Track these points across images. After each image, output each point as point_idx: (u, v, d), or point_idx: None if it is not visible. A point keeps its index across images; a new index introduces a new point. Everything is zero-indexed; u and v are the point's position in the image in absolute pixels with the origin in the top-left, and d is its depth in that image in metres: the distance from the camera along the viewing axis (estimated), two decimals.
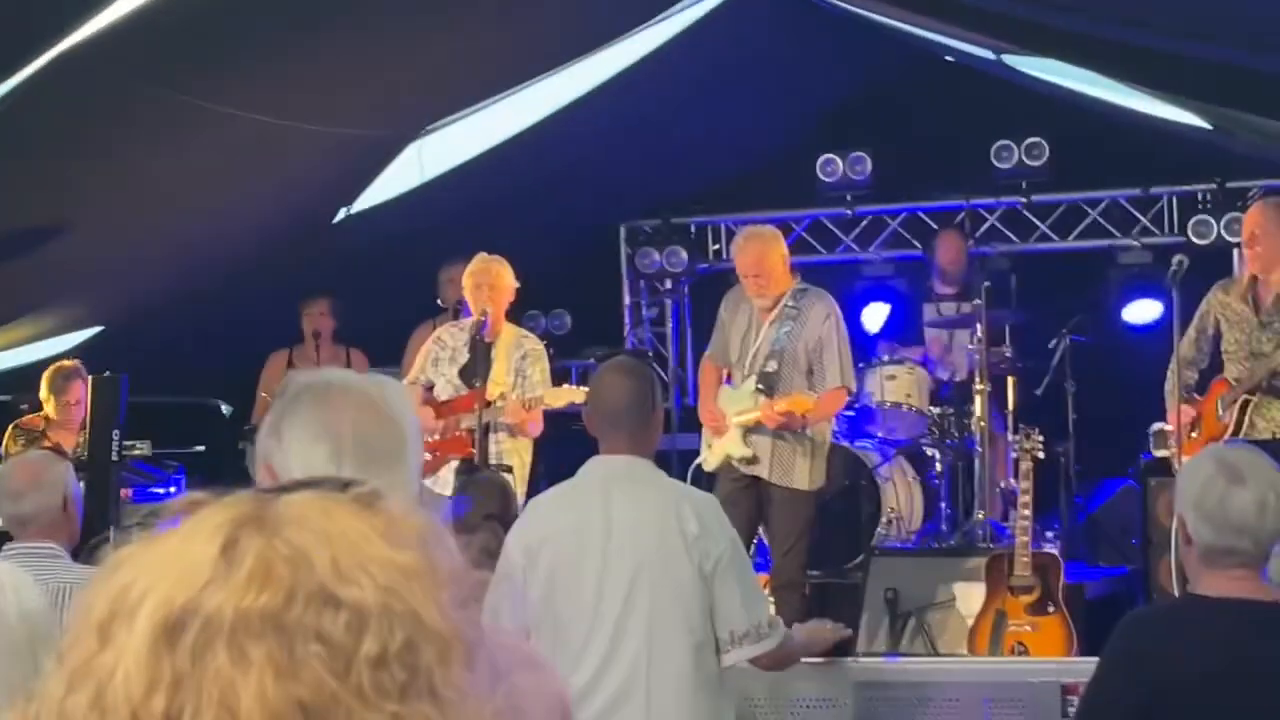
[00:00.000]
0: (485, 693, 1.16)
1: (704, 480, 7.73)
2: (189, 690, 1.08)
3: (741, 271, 7.87)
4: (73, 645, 1.14)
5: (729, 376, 8.07)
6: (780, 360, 7.77)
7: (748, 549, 6.95)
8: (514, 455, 8.09)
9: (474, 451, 7.92)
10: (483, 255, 8.34)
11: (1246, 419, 7.59)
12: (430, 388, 8.40)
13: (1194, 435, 7.75)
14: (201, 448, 9.99)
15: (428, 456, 8.24)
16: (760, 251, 7.80)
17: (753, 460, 7.74)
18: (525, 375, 8.20)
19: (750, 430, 7.74)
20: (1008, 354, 9.66)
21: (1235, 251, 7.98)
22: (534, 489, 7.37)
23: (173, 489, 8.43)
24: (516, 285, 8.31)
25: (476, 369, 8.10)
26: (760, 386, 7.75)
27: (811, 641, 4.95)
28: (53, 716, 1.12)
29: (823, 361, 7.77)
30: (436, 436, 8.27)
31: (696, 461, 8.16)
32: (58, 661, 1.14)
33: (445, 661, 1.13)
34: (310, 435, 2.54)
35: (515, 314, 8.79)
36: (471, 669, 1.15)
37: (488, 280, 8.21)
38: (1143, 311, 10.62)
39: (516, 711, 1.18)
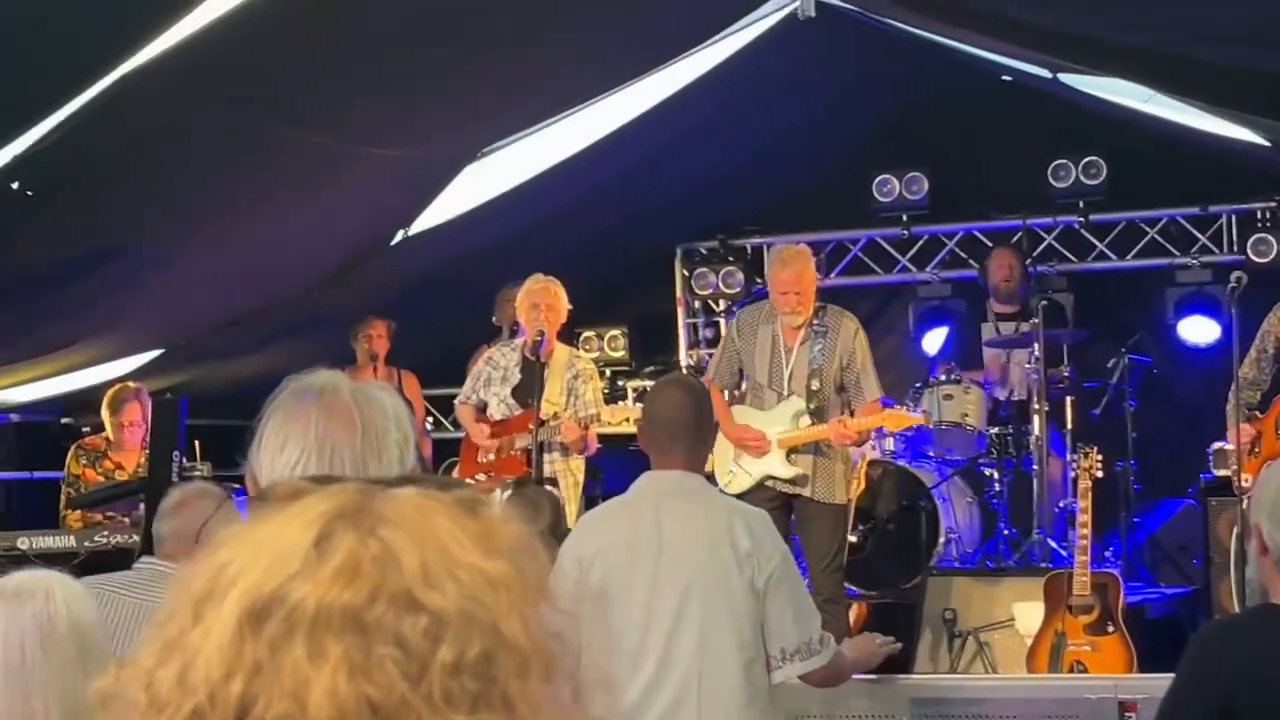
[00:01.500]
0: (564, 709, 1.15)
1: None
2: (265, 679, 1.09)
3: (782, 289, 7.83)
4: (170, 617, 1.15)
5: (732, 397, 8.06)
6: (820, 378, 7.79)
7: None
8: (567, 474, 8.11)
9: (530, 471, 7.94)
10: (538, 276, 8.38)
11: None
12: (483, 408, 8.44)
13: (1255, 454, 7.69)
14: None
15: (483, 478, 8.27)
16: (802, 269, 7.84)
17: (799, 479, 7.73)
18: (578, 394, 8.23)
19: (793, 449, 7.75)
20: (1066, 373, 9.61)
21: None
22: (589, 508, 7.37)
23: None
24: (570, 307, 8.35)
25: (530, 388, 8.13)
26: (811, 406, 7.75)
27: (862, 658, 4.92)
28: (140, 686, 1.13)
29: (858, 377, 7.78)
30: (492, 456, 8.30)
31: (719, 487, 8.04)
32: (155, 629, 1.15)
33: (523, 675, 1.12)
34: (279, 442, 2.57)
35: (571, 335, 8.81)
36: (550, 683, 1.14)
37: (545, 300, 8.25)
38: (1202, 330, 10.53)
39: None
